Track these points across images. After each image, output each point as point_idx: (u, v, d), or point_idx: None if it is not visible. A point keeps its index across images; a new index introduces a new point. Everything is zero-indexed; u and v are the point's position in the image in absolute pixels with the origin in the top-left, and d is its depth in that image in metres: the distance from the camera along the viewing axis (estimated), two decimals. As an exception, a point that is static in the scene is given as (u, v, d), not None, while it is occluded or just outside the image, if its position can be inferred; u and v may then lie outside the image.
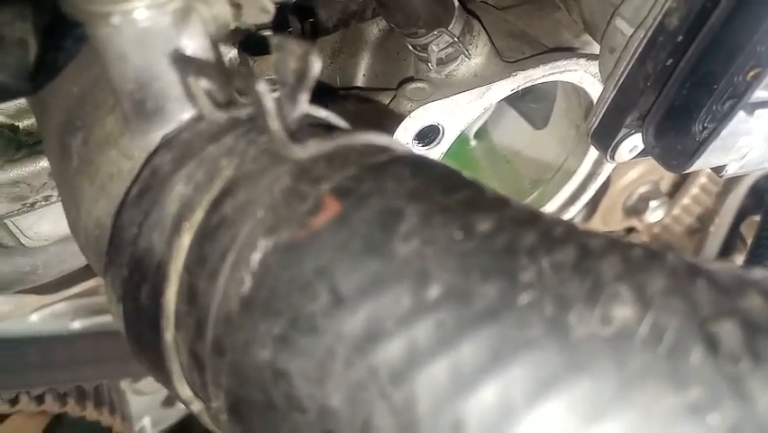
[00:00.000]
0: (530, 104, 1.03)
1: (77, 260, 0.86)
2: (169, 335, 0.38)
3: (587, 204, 1.09)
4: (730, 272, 0.28)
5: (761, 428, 0.25)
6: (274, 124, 0.34)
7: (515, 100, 1.01)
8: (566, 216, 1.07)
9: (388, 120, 0.74)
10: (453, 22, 0.70)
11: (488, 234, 0.31)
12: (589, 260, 0.29)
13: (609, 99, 0.59)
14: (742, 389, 0.25)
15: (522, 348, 0.27)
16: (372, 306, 0.30)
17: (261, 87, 0.33)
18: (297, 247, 0.32)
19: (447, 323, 0.28)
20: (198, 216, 0.36)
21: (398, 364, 0.28)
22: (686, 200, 1.50)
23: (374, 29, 0.86)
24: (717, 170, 0.57)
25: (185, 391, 0.41)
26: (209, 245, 0.35)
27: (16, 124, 0.70)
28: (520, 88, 0.77)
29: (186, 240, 0.36)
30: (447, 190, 0.34)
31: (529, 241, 0.30)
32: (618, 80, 0.58)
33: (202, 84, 0.39)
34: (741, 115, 0.48)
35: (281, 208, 0.34)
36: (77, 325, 1.21)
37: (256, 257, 0.33)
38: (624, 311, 0.27)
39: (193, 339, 0.36)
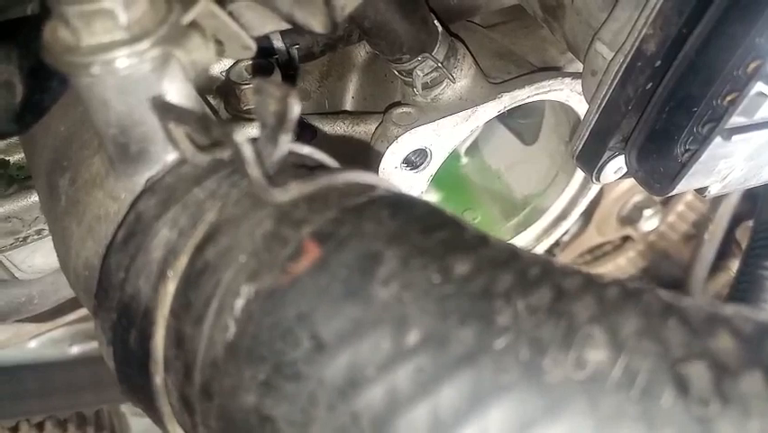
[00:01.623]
0: (519, 120, 1.03)
1: (71, 289, 0.87)
2: (158, 378, 0.38)
3: (581, 215, 1.09)
4: (702, 310, 0.29)
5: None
6: (254, 171, 0.34)
7: (504, 117, 1.02)
8: (560, 229, 1.08)
9: (376, 145, 0.74)
10: (437, 47, 0.71)
11: (465, 277, 0.31)
12: (564, 301, 0.30)
13: (593, 122, 0.60)
14: (711, 431, 0.25)
15: (499, 392, 0.28)
16: (353, 352, 0.30)
17: (239, 136, 0.34)
18: (279, 293, 0.33)
19: (426, 368, 0.29)
20: (183, 261, 0.37)
21: (379, 410, 0.29)
22: (680, 207, 1.50)
23: (361, 51, 0.87)
24: (700, 191, 0.57)
25: (176, 431, 0.41)
26: (194, 291, 0.36)
27: (7, 158, 0.70)
28: (506, 109, 0.78)
29: (171, 286, 0.36)
30: (426, 231, 0.35)
31: (505, 283, 0.31)
32: (601, 103, 0.58)
33: (183, 128, 0.39)
34: (718, 140, 0.48)
35: (263, 254, 0.34)
36: (75, 350, 1.22)
37: (239, 303, 0.34)
38: (597, 354, 0.27)
39: (182, 383, 0.37)
